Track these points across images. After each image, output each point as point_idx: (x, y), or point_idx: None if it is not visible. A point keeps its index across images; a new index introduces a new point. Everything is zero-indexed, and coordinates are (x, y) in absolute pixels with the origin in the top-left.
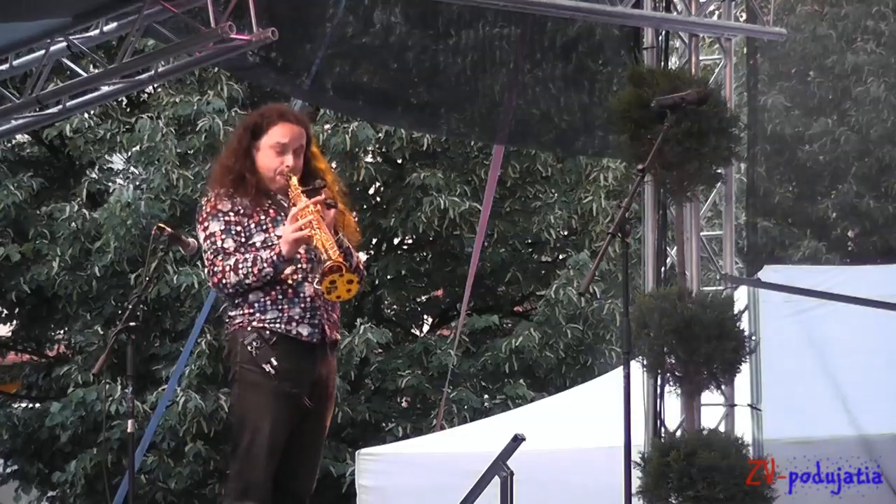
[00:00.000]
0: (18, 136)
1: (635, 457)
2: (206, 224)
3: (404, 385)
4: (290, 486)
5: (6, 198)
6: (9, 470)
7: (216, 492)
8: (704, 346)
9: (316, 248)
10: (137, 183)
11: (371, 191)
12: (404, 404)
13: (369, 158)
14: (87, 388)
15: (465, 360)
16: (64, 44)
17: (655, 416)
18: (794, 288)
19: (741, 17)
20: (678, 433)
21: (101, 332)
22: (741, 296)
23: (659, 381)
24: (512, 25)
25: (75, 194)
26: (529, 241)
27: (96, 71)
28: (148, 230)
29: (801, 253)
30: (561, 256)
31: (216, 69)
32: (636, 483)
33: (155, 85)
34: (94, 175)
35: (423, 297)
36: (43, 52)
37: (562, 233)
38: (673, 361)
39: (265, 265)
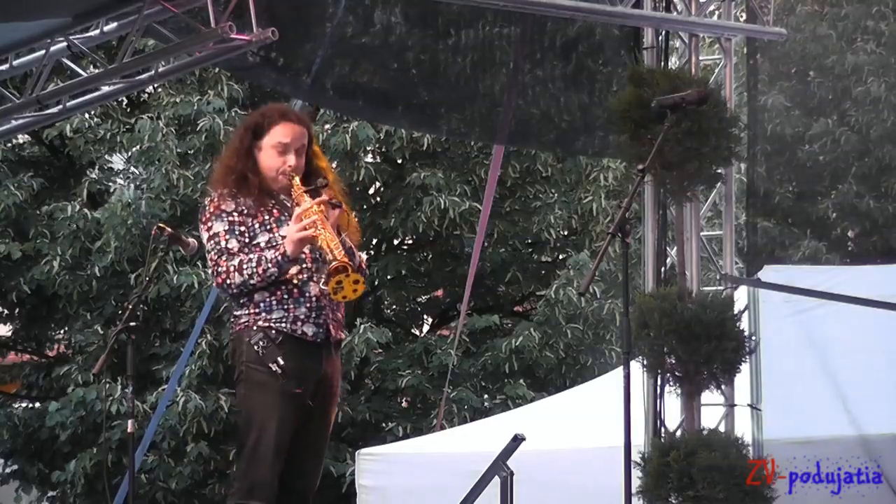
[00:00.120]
0: (19, 136)
1: (635, 457)
2: (209, 224)
3: (404, 385)
4: (295, 484)
5: (6, 198)
6: (9, 470)
7: (216, 492)
8: (704, 346)
9: (321, 249)
10: (138, 183)
11: (371, 191)
12: (404, 404)
13: (369, 158)
14: (87, 388)
15: (465, 359)
16: (64, 44)
17: (655, 416)
18: (794, 288)
19: (741, 17)
20: (678, 433)
21: (102, 332)
22: (741, 296)
23: (659, 381)
24: (512, 25)
25: (75, 194)
26: (529, 241)
27: (96, 71)
28: (148, 230)
29: (801, 253)
30: (561, 256)
31: (216, 69)
32: (636, 483)
33: (155, 85)
34: (94, 175)
35: (424, 297)
36: (43, 52)
37: (562, 233)
38: (673, 361)
39: (270, 265)
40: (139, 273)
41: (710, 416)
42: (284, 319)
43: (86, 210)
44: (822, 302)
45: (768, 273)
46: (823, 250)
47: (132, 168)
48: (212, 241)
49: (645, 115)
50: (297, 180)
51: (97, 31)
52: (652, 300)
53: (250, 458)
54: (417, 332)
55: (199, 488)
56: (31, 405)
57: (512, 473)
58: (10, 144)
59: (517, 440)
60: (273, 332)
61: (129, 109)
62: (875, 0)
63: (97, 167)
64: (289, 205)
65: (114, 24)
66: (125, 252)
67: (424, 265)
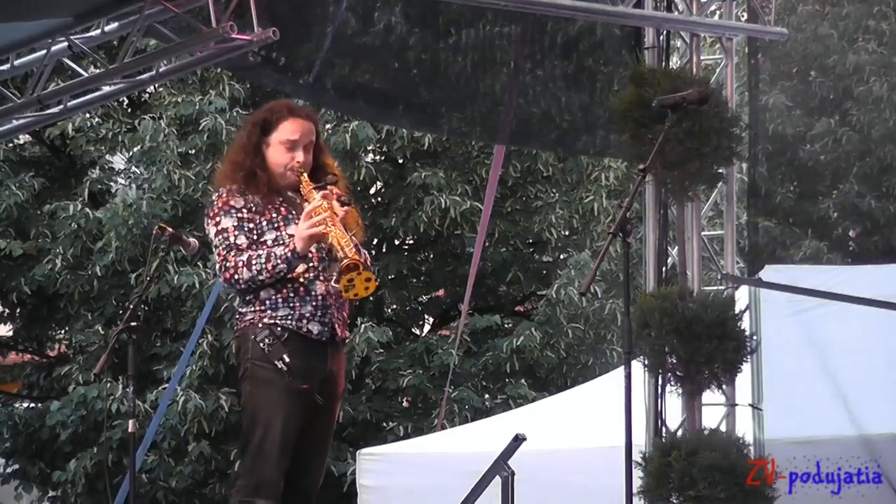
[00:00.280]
0: (20, 136)
1: (636, 456)
2: (217, 219)
3: (405, 385)
4: (300, 482)
5: (8, 198)
6: (9, 470)
7: (217, 491)
8: (705, 346)
9: (331, 246)
10: (139, 183)
11: (372, 190)
12: (405, 404)
13: (370, 158)
14: (88, 387)
15: (466, 359)
16: (65, 44)
17: (656, 416)
18: (796, 288)
19: (742, 16)
20: (679, 433)
21: (102, 332)
22: (742, 296)
23: (660, 381)
24: (513, 25)
25: (76, 194)
26: (530, 240)
27: (97, 71)
28: (149, 230)
29: (802, 253)
30: (562, 256)
31: (218, 69)
32: (637, 483)
33: (156, 85)
34: (95, 175)
35: (425, 297)
36: (44, 51)
37: (563, 232)
38: (674, 361)
39: (279, 261)
40: (140, 273)
41: (711, 415)
42: (290, 317)
43: (87, 209)
44: (823, 302)
45: (769, 273)
46: (825, 250)
47: (133, 168)
48: (220, 236)
49: (646, 115)
50: (305, 176)
51: (98, 31)
52: (653, 300)
53: (256, 455)
54: (418, 332)
55: (200, 488)
56: (31, 405)
57: (513, 473)
58: (11, 144)
59: (518, 440)
60: (279, 329)
61: (129, 109)
62: (876, 0)
63: (98, 167)
64: (297, 202)
65: (115, 24)
66: (126, 252)
67: (425, 265)
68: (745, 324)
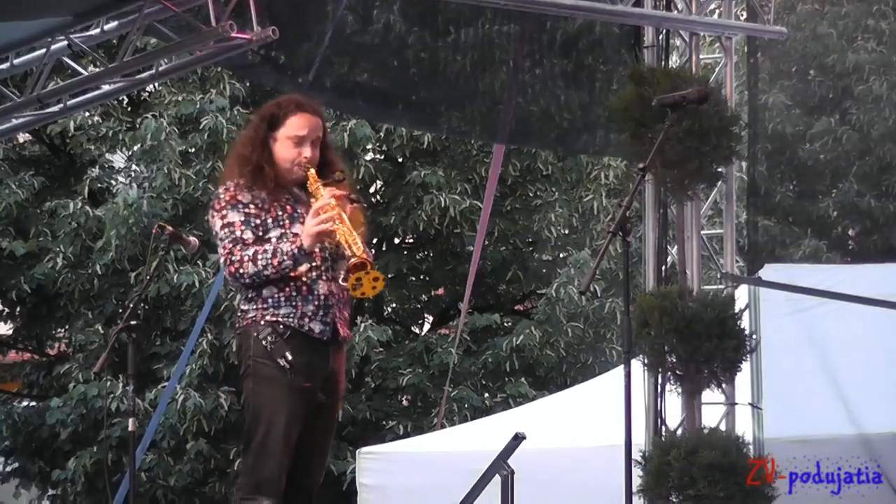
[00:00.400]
0: (19, 135)
1: (636, 455)
2: (224, 213)
3: (405, 383)
4: (302, 481)
5: (8, 196)
6: (9, 468)
7: (217, 490)
8: (705, 345)
9: (338, 244)
10: (139, 181)
11: (372, 189)
12: (405, 403)
13: (370, 156)
14: (88, 385)
15: (465, 358)
16: (65, 42)
17: (656, 415)
18: (795, 287)
19: (742, 15)
20: (679, 432)
21: (102, 331)
22: (742, 294)
23: (660, 380)
24: (512, 23)
25: (76, 192)
26: (530, 239)
27: (97, 70)
28: (149, 229)
29: (801, 252)
30: (562, 255)
31: (218, 68)
32: (637, 482)
33: (156, 84)
34: (94, 173)
35: (424, 296)
36: (44, 50)
37: (562, 231)
38: (674, 360)
39: (285, 257)
40: (140, 272)
41: (711, 414)
42: (292, 315)
43: (87, 208)
44: (823, 301)
45: (769, 272)
46: (824, 249)
47: (133, 166)
48: (226, 230)
49: (645, 114)
50: (312, 172)
51: (98, 30)
52: (653, 299)
53: (258, 453)
54: (418, 331)
55: (200, 486)
56: (31, 403)
57: (513, 472)
58: (10, 143)
59: (518, 439)
60: (281, 327)
61: (129, 108)
62: None
63: (98, 166)
64: (304, 198)
65: (114, 23)
66: (126, 250)
67: (425, 264)
68: (745, 323)
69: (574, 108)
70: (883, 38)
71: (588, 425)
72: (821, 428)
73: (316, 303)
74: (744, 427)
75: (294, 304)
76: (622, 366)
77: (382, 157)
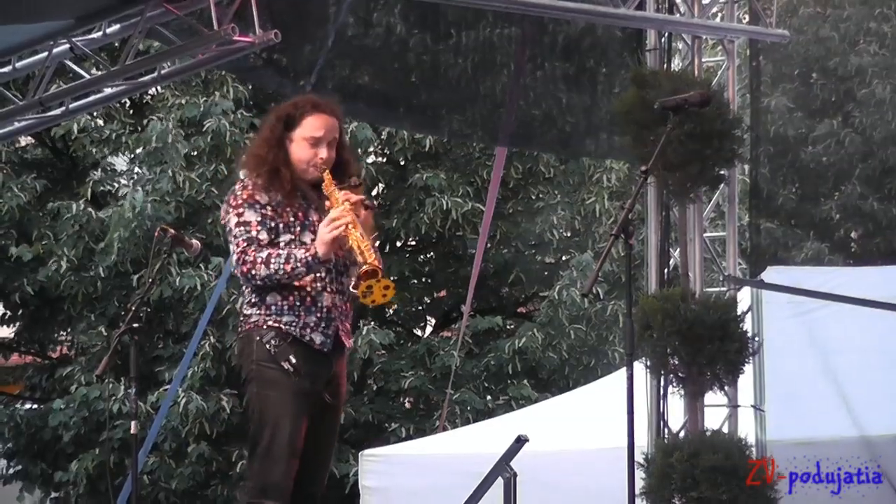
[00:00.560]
0: (22, 138)
1: (639, 458)
2: (240, 210)
3: (407, 386)
4: (307, 485)
5: (10, 200)
6: (12, 470)
7: (219, 493)
8: (707, 348)
9: (350, 249)
10: (143, 184)
11: (374, 192)
12: (407, 405)
13: (371, 159)
14: (90, 387)
15: (468, 361)
16: (67, 46)
17: (659, 418)
18: (798, 289)
19: (744, 19)
20: (681, 434)
21: (105, 333)
22: (744, 297)
23: (662, 383)
24: (513, 26)
25: (79, 194)
26: (532, 242)
27: (99, 73)
28: (152, 231)
29: (804, 254)
30: (564, 257)
31: (222, 71)
32: (639, 484)
33: (159, 87)
34: (97, 176)
35: (427, 299)
36: (46, 54)
37: (565, 234)
38: (676, 363)
39: (299, 264)
40: (142, 274)
41: (714, 417)
42: (294, 324)
43: (90, 209)
44: (825, 303)
45: (771, 274)
46: (827, 251)
47: (136, 169)
48: (241, 227)
49: (648, 117)
50: (328, 175)
51: (100, 33)
52: (655, 301)
53: (264, 457)
54: (420, 334)
55: (202, 489)
56: (34, 406)
57: (515, 475)
58: (13, 146)
59: (520, 441)
60: (283, 332)
61: (132, 111)
62: (878, 2)
63: (100, 168)
64: (317, 201)
65: (116, 27)
66: (128, 253)
67: (427, 266)
68: (747, 325)
69: (576, 111)
70: (885, 41)
71: (591, 428)
72: (823, 430)
73: (318, 314)
74: (746, 429)
75: (297, 313)
76: (624, 368)
77: (384, 160)
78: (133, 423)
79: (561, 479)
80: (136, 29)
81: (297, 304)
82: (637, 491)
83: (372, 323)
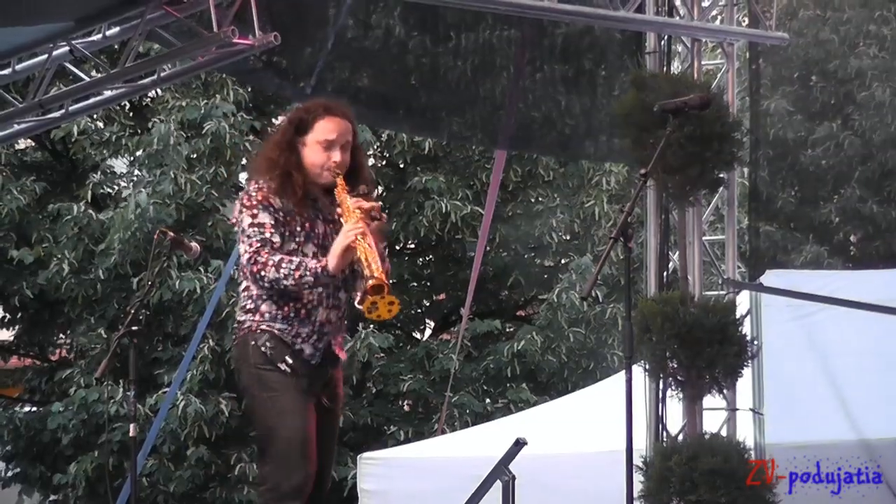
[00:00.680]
0: (21, 141)
1: (637, 461)
2: (255, 211)
3: (406, 389)
4: (313, 494)
5: (10, 202)
6: (11, 473)
7: (217, 495)
8: (706, 351)
9: (357, 261)
10: (144, 186)
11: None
12: (406, 408)
13: (371, 162)
14: (89, 390)
15: (467, 364)
16: (67, 48)
17: (657, 421)
18: (797, 292)
19: (743, 21)
20: (680, 437)
21: (104, 336)
22: (743, 300)
23: (661, 386)
24: (513, 29)
25: (78, 197)
26: (532, 245)
27: (99, 75)
28: (152, 234)
29: (803, 257)
30: (563, 260)
31: (222, 73)
32: (638, 487)
33: (160, 89)
34: (96, 178)
35: (426, 302)
36: (46, 56)
37: (564, 237)
38: (675, 366)
39: (307, 273)
40: (142, 277)
41: (712, 420)
42: (287, 332)
43: (90, 212)
44: (824, 306)
45: (770, 277)
46: (826, 255)
47: (136, 171)
48: (255, 228)
49: (647, 120)
50: (341, 180)
51: (100, 36)
52: (654, 304)
53: (274, 459)
54: (419, 337)
55: (200, 492)
56: (33, 409)
57: (514, 477)
58: (12, 149)
59: (519, 444)
60: (276, 336)
61: (132, 114)
62: (877, 4)
63: (100, 171)
64: (328, 206)
65: (116, 29)
66: (128, 255)
67: (426, 269)
68: (746, 328)
69: (575, 113)
70: (885, 44)
71: (589, 431)
72: (822, 433)
73: (311, 327)
74: (745, 433)
75: (290, 322)
76: (623, 371)
77: (384, 163)
78: (132, 425)
79: (560, 482)
80: (136, 31)
81: (292, 314)
82: (636, 494)
83: (371, 326)
